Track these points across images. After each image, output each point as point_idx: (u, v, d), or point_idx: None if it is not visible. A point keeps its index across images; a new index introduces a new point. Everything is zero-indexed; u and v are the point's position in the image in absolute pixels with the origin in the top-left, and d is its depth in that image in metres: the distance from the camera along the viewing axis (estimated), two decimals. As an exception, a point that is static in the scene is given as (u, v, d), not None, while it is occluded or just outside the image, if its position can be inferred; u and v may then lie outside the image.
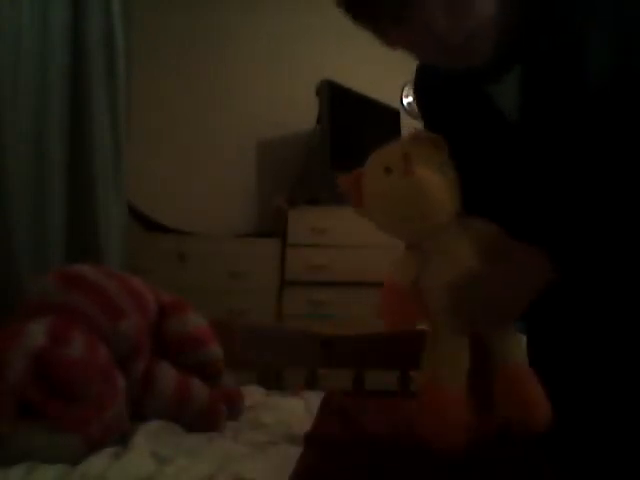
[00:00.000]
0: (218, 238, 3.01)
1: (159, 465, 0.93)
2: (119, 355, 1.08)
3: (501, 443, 0.90)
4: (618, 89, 0.81)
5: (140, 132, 2.64)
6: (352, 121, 3.09)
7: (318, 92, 3.00)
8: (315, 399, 1.33)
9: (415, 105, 1.09)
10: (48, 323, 1.01)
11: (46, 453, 0.91)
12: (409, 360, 1.52)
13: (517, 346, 0.91)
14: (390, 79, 3.24)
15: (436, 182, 0.84)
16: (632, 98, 0.80)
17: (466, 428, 0.85)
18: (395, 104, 3.37)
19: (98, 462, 0.92)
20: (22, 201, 1.75)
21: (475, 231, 0.89)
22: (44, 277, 1.16)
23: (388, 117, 3.26)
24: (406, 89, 3.41)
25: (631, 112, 0.81)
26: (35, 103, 1.82)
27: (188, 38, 3.35)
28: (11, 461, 0.88)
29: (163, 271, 2.68)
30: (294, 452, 0.99)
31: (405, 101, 3.46)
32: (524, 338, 0.98)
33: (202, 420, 1.14)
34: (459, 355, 0.88)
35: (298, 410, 1.29)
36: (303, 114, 3.14)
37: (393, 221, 0.87)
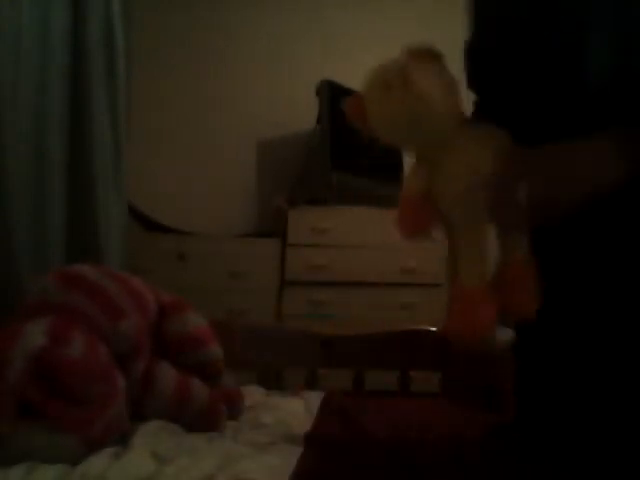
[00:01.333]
0: (218, 238, 3.00)
1: (159, 465, 0.93)
2: (119, 355, 1.08)
3: (500, 442, 0.90)
4: (618, 89, 0.81)
5: (140, 132, 2.64)
6: (352, 121, 3.09)
7: (318, 92, 2.99)
8: (315, 399, 1.33)
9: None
10: (48, 323, 1.01)
11: (46, 453, 0.91)
12: (409, 360, 1.53)
13: (519, 241, 0.86)
14: (390, 79, 3.24)
15: (438, 91, 0.82)
16: (632, 98, 0.81)
17: (493, 323, 0.80)
18: (395, 104, 3.36)
19: (98, 462, 0.92)
20: (22, 201, 1.75)
21: (484, 133, 0.87)
22: (44, 277, 1.16)
23: (388, 117, 3.26)
24: (406, 89, 3.41)
25: (631, 112, 0.81)
26: (35, 103, 1.82)
27: (188, 38, 3.35)
28: (11, 461, 0.88)
29: (163, 271, 2.68)
30: (294, 452, 0.99)
31: (405, 101, 3.46)
32: None
33: (202, 420, 1.14)
34: (478, 252, 0.83)
35: (298, 410, 1.29)
36: (303, 114, 3.13)
37: (400, 136, 0.86)
